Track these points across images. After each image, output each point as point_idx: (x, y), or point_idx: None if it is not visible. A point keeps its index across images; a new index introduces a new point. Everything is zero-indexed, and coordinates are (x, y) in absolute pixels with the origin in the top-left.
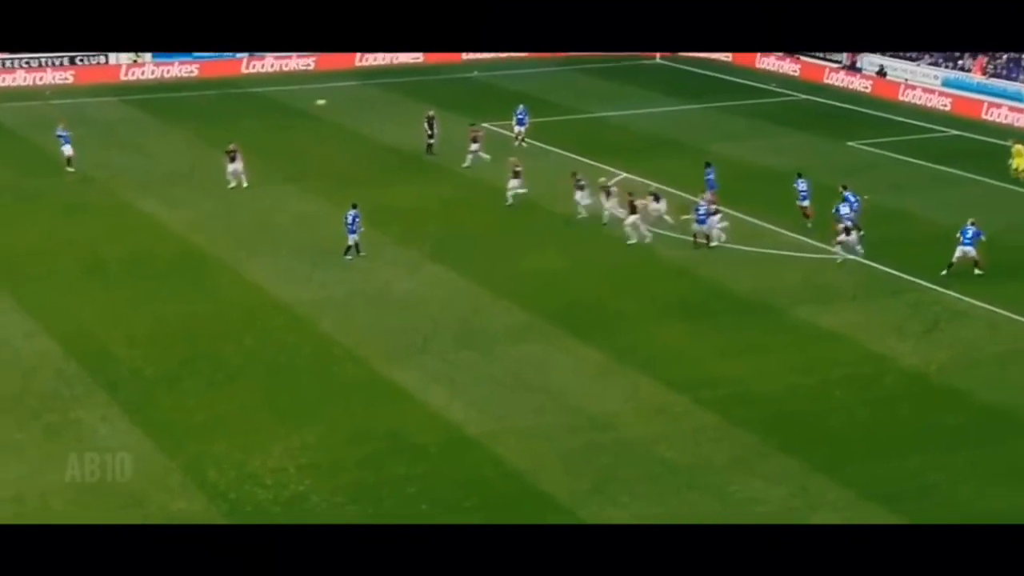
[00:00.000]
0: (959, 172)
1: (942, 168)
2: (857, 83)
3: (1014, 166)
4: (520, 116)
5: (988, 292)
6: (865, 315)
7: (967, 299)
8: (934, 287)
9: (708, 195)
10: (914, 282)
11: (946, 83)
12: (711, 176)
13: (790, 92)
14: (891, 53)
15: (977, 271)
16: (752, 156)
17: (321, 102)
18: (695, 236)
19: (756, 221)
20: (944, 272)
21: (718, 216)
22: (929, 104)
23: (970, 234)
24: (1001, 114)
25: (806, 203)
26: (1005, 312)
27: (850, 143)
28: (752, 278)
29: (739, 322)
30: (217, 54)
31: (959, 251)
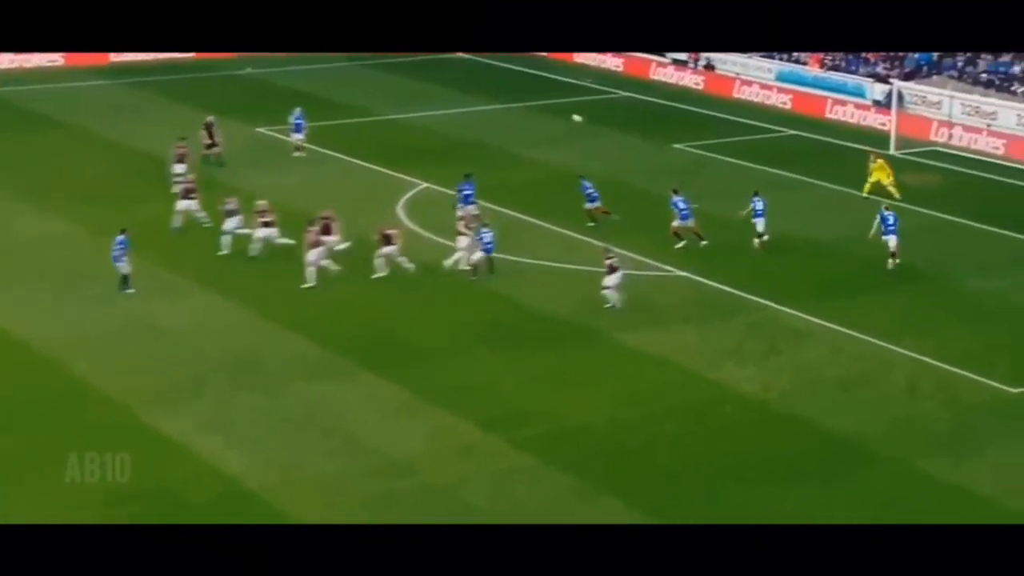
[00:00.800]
0: (795, 175)
1: (777, 171)
2: (688, 79)
3: (872, 180)
4: (297, 121)
5: (828, 309)
6: (698, 337)
7: (807, 317)
8: (771, 304)
9: (465, 211)
10: (749, 299)
11: (780, 77)
12: (468, 190)
13: (611, 89)
14: None
15: (892, 264)
16: (569, 161)
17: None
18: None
19: (575, 234)
20: (891, 265)
21: (465, 241)
22: (768, 102)
23: (892, 220)
24: (846, 112)
25: (595, 204)
26: (847, 331)
27: (676, 145)
28: (572, 299)
29: (557, 349)
30: None
31: (889, 241)
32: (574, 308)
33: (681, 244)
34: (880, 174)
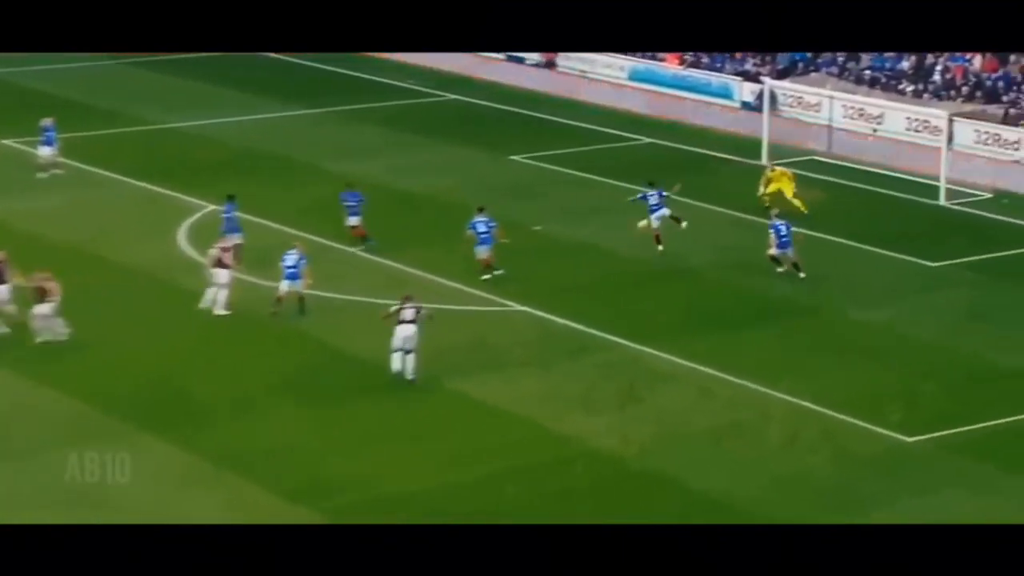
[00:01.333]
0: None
1: (631, 186)
2: (526, 78)
3: (767, 190)
4: (47, 133)
5: (695, 348)
6: (542, 384)
7: (670, 357)
8: (627, 342)
9: (226, 241)
10: (602, 337)
11: (634, 75)
12: (230, 214)
13: (436, 92)
14: None
15: (787, 270)
16: (384, 176)
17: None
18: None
19: (399, 264)
20: (782, 269)
21: (226, 275)
22: (620, 105)
23: (784, 231)
24: (711, 116)
25: (355, 220)
26: (717, 372)
27: (514, 156)
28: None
29: (375, 401)
30: None
31: (776, 252)
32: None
33: (487, 276)
34: (783, 184)
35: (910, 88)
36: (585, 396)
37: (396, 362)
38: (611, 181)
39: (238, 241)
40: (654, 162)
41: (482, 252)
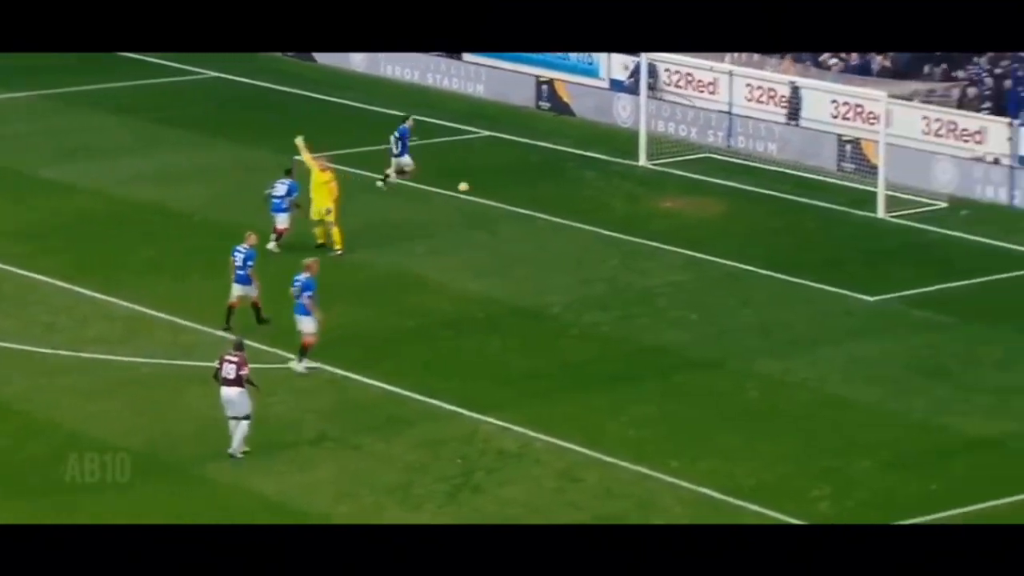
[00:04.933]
0: (493, 202)
1: (464, 197)
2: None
3: (319, 208)
4: None
5: (550, 416)
6: (341, 471)
7: (518, 429)
8: (460, 410)
9: None
10: (427, 404)
11: None
12: None
13: (200, 69)
14: None
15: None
16: (123, 186)
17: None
18: None
19: (137, 307)
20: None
21: None
22: (450, 86)
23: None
24: (574, 99)
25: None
26: (582, 449)
27: (299, 157)
28: (128, 413)
29: (95, 498)
30: None
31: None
32: (133, 426)
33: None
34: (325, 200)
35: (836, 62)
36: (403, 487)
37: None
38: (436, 189)
39: None
40: (494, 164)
41: (281, 221)
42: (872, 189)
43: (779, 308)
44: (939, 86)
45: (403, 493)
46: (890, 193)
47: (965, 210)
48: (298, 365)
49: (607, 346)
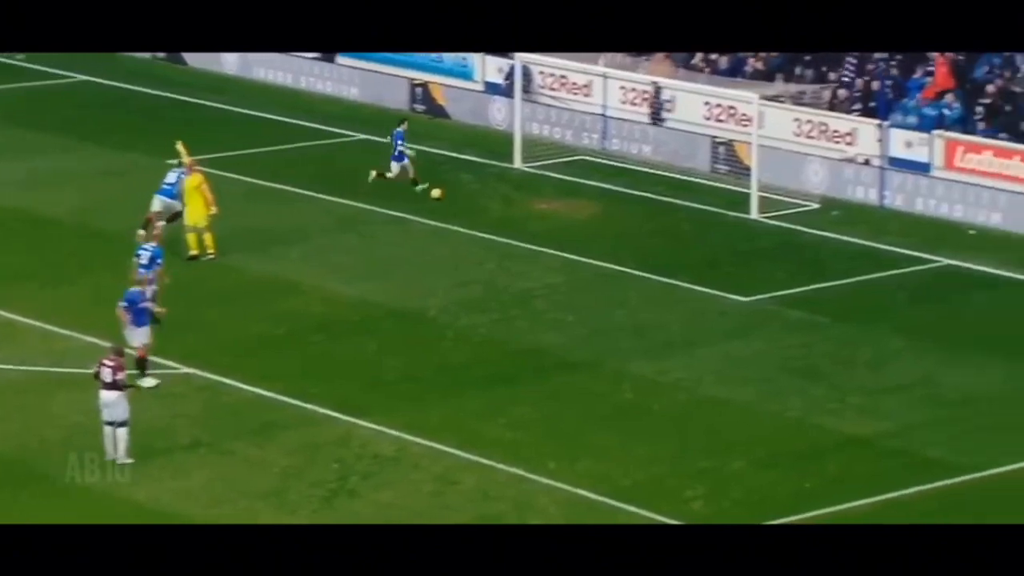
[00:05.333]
0: (379, 208)
1: (345, 201)
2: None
3: (191, 218)
4: None
5: (427, 419)
6: (216, 476)
7: (394, 432)
8: (334, 414)
9: None
10: (298, 407)
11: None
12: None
13: (61, 71)
14: None
15: None
16: None
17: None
18: None
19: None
20: None
21: None
22: (319, 88)
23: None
24: (450, 102)
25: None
26: (458, 452)
27: (172, 160)
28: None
29: None
30: None
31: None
32: (2, 432)
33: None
34: (198, 204)
35: (705, 64)
36: (276, 492)
37: (107, 441)
38: (310, 193)
39: None
40: (369, 166)
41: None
42: (745, 190)
43: (654, 309)
44: (810, 88)
45: (278, 499)
46: (763, 194)
47: (836, 211)
48: (145, 380)
49: (484, 348)
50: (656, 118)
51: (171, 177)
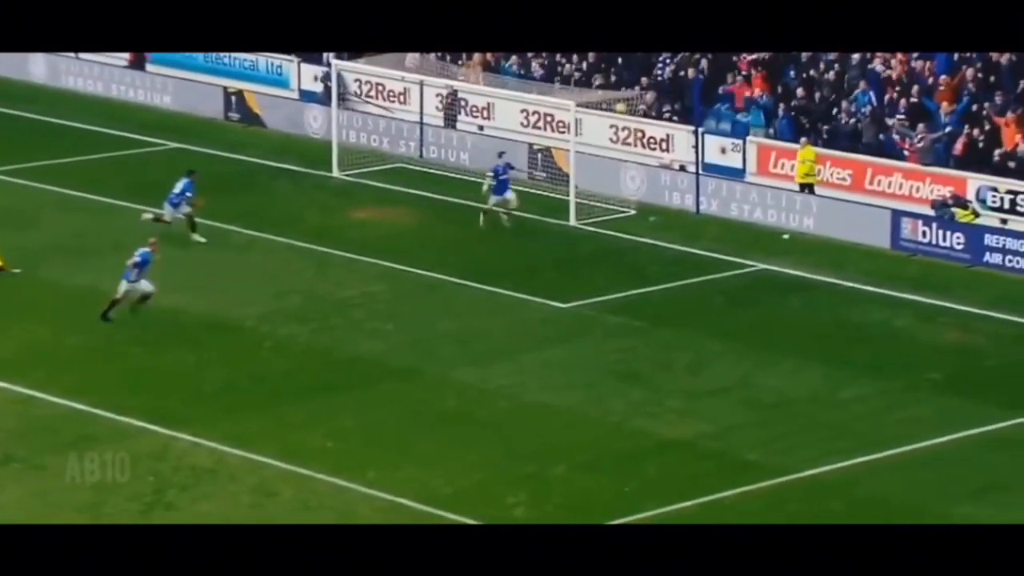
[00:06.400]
0: (199, 219)
1: (148, 207)
2: None
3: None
4: None
5: (244, 430)
6: (27, 491)
7: (210, 444)
8: (150, 427)
9: None
10: (111, 420)
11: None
12: None
13: None
14: None
15: None
16: None
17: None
18: None
19: None
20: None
21: None
22: (131, 96)
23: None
24: (266, 111)
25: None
26: (276, 463)
27: None
28: None
29: None
30: None
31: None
32: None
33: None
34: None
35: (522, 69)
36: (92, 506)
37: None
38: (125, 203)
39: None
40: (171, 175)
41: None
42: (564, 197)
43: (476, 317)
44: (625, 95)
45: (93, 512)
46: (581, 201)
47: (654, 216)
48: None
49: (304, 358)
50: (451, 121)
51: (178, 186)
